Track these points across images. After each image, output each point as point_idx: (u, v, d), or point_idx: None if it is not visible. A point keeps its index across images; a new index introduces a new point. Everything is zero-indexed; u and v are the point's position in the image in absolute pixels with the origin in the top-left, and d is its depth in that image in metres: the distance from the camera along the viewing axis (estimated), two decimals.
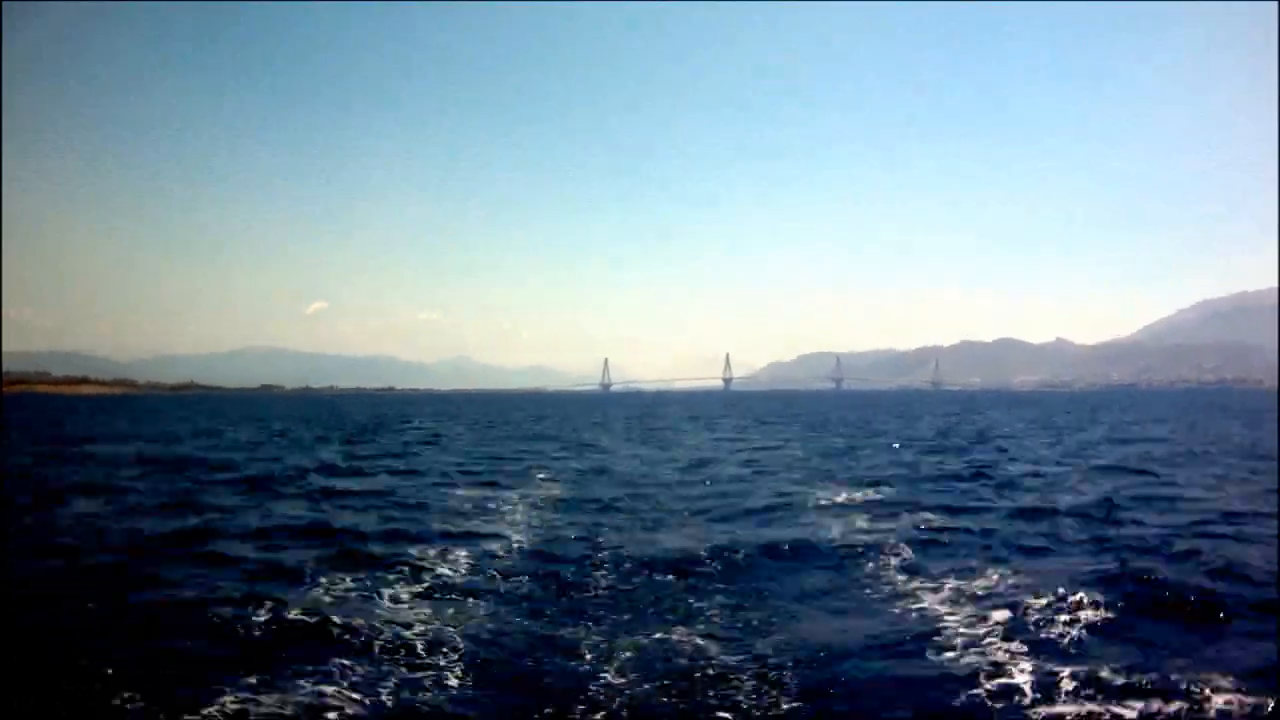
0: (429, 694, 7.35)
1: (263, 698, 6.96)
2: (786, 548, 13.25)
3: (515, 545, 13.63)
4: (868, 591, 10.81)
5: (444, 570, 11.72)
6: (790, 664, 8.05)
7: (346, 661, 7.84)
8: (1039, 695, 7.14)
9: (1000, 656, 8.02)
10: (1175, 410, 79.38)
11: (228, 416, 75.89)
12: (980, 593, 10.23)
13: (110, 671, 7.40)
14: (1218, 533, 14.07)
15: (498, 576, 11.50)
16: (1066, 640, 8.52)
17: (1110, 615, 9.16)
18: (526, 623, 9.42)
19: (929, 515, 16.01)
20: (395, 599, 10.25)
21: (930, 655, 8.22)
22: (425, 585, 10.91)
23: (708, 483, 22.84)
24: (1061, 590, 9.83)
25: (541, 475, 24.30)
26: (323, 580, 11.06)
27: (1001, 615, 9.20)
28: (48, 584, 11.03)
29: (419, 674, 7.75)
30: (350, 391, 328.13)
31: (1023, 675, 7.50)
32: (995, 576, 10.88)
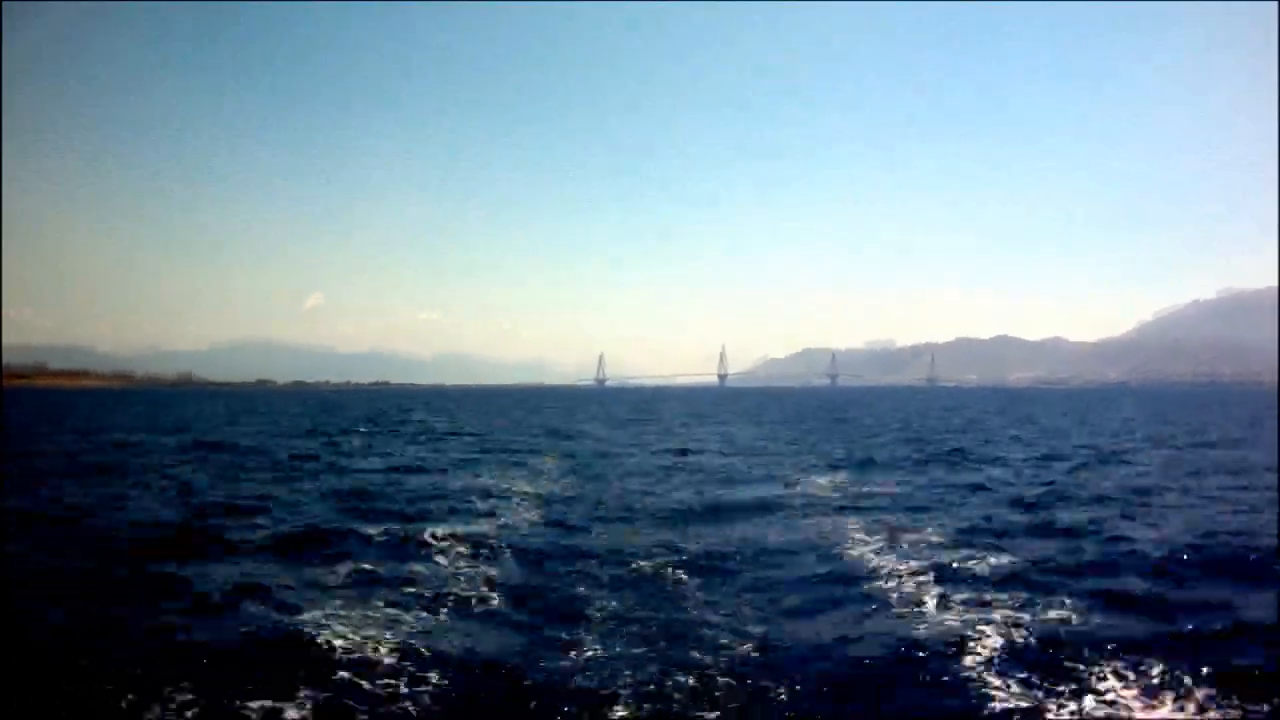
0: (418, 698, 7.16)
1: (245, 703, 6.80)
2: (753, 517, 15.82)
3: (503, 542, 13.35)
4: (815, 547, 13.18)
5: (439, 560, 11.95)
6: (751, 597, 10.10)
7: (348, 661, 7.69)
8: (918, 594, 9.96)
9: (905, 579, 10.77)
10: (1167, 405, 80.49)
11: (258, 410, 76.51)
12: (891, 540, 13.41)
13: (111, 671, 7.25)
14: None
15: (486, 566, 11.71)
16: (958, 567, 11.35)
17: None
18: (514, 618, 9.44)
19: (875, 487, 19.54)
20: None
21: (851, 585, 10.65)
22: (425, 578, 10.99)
23: (687, 470, 24.52)
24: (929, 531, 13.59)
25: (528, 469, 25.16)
26: (325, 581, 10.94)
27: (917, 562, 11.76)
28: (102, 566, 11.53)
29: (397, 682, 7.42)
30: (344, 386, 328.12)
31: (908, 578, 10.77)
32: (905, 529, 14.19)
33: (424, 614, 9.41)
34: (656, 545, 13.12)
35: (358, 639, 8.26)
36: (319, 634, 8.37)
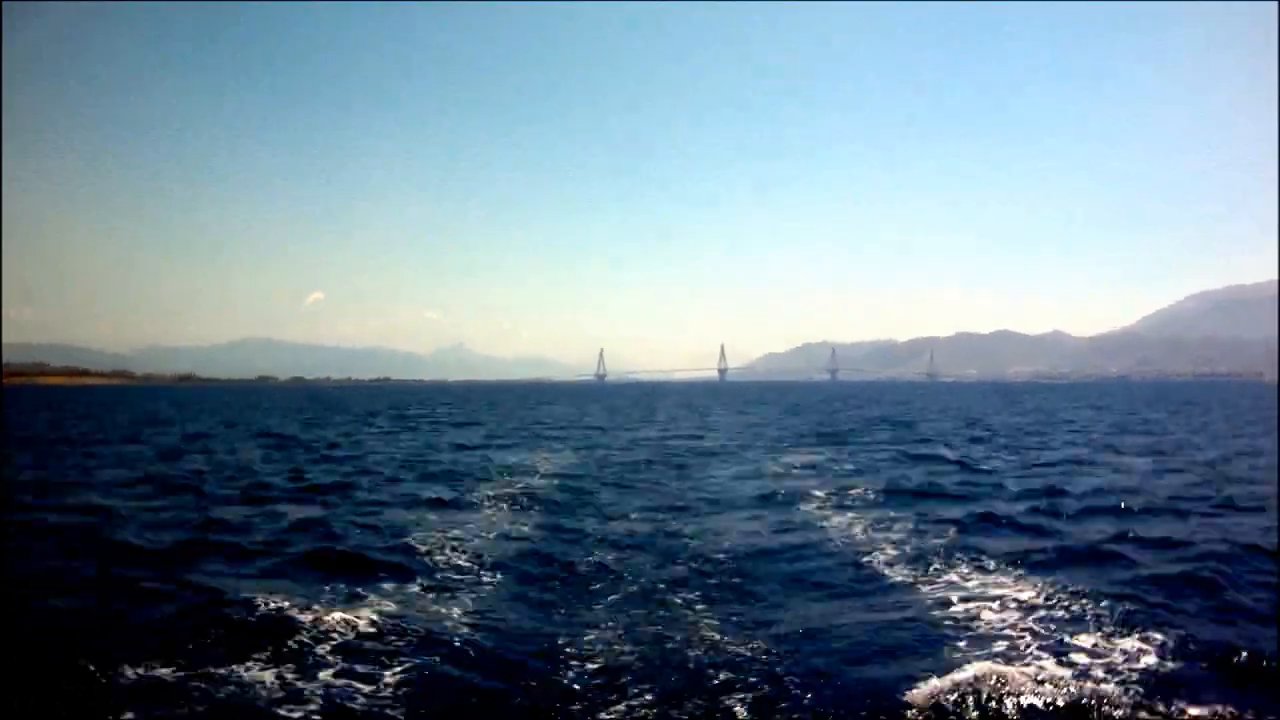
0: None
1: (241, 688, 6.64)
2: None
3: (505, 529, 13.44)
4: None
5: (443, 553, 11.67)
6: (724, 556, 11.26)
7: (349, 661, 7.29)
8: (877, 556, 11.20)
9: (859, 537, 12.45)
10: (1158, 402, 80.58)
11: (289, 407, 76.76)
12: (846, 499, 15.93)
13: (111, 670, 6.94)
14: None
15: (486, 556, 11.47)
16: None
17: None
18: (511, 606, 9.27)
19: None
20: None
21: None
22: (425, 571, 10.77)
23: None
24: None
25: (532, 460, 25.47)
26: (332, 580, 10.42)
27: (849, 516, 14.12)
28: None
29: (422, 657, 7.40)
30: (345, 383, 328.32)
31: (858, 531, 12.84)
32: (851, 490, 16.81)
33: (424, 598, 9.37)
34: (653, 527, 13.43)
35: (358, 638, 7.81)
36: (322, 627, 8.02)
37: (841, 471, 20.29)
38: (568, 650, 7.55)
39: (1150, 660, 6.86)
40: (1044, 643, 7.35)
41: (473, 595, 9.30)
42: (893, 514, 13.87)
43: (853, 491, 16.31)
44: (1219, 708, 5.93)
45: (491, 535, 12.50)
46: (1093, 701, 6.05)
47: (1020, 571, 9.81)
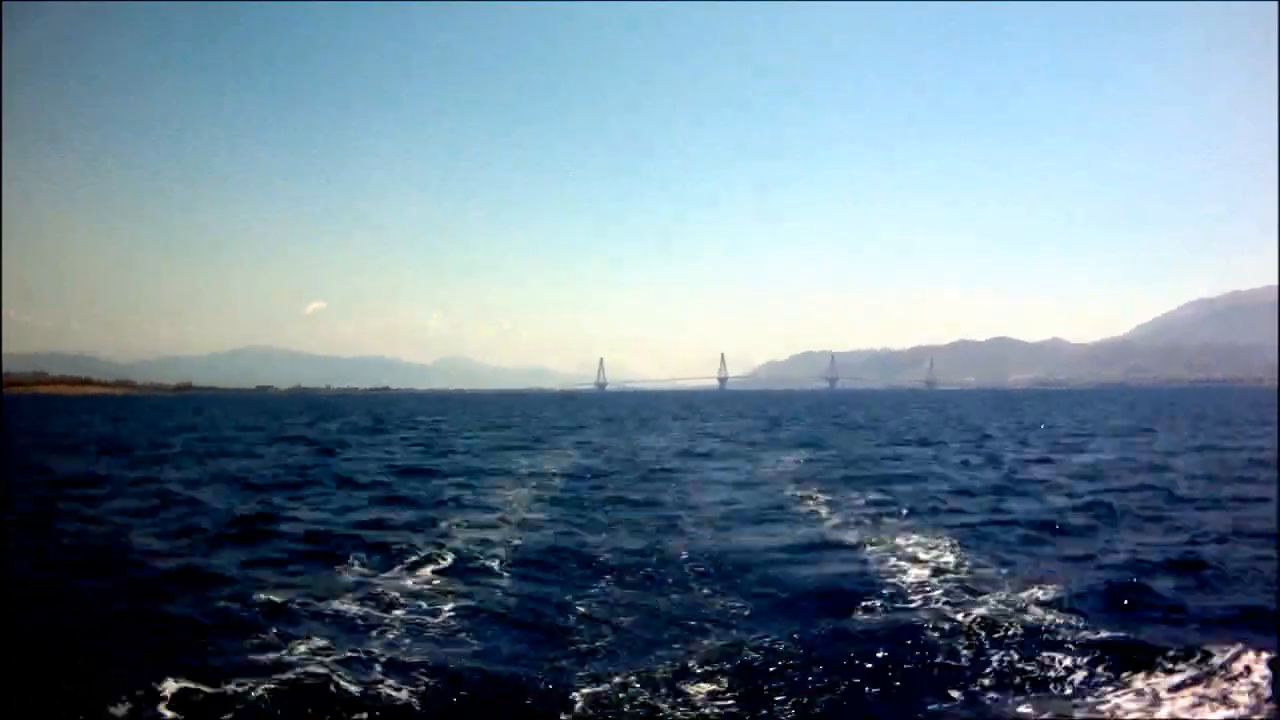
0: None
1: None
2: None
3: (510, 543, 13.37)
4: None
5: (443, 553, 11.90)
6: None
7: (351, 660, 7.28)
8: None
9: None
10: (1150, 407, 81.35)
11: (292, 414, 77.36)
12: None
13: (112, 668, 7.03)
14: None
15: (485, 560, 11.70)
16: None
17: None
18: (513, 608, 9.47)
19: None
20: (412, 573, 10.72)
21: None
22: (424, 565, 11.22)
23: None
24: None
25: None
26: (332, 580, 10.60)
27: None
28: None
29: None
30: (344, 392, 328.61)
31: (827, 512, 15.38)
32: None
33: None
34: (657, 530, 14.03)
35: (359, 636, 8.08)
36: (322, 623, 8.38)
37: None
38: (563, 664, 7.51)
39: None
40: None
41: (466, 602, 9.21)
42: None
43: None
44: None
45: (491, 538, 12.79)
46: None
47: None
